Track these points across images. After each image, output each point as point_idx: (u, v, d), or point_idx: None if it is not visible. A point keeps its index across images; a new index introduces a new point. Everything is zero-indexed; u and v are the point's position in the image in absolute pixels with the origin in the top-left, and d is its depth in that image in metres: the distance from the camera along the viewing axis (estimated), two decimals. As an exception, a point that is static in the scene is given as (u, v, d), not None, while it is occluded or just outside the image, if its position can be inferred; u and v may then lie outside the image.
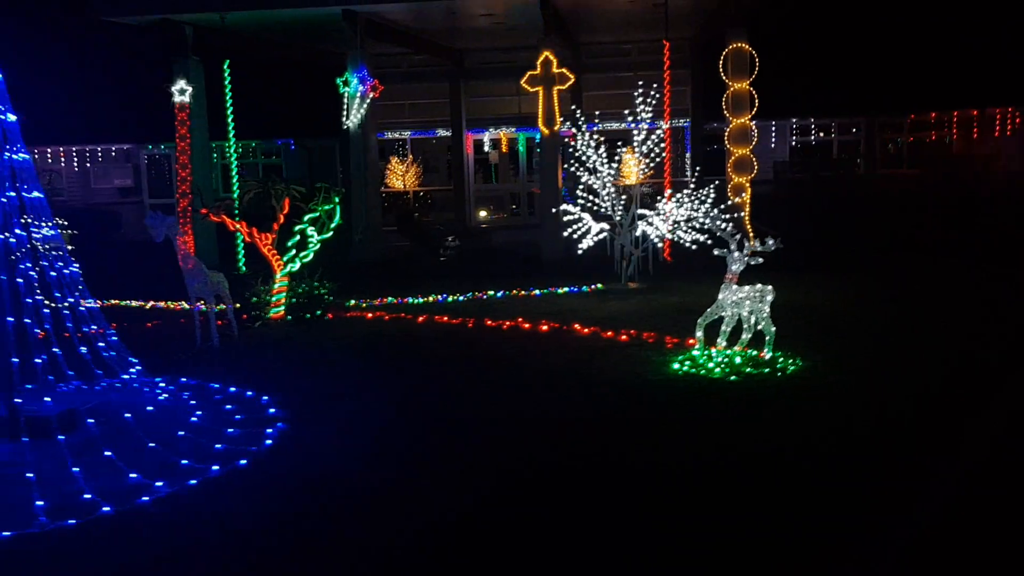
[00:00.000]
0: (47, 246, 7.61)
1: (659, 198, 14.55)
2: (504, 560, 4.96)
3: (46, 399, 7.18)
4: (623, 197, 14.05)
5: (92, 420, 6.97)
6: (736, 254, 9.04)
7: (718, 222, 9.30)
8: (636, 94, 14.07)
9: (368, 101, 18.91)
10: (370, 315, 12.81)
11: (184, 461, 6.64)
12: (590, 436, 7.11)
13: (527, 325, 11.49)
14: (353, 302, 13.53)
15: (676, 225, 13.84)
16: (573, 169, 14.22)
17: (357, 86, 18.86)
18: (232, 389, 8.74)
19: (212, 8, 18.10)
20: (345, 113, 18.83)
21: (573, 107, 15.34)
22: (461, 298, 13.79)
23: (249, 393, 8.58)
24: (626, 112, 14.42)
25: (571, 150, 14.30)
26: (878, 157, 27.05)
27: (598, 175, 13.87)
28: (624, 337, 10.59)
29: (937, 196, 22.15)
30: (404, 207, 27.21)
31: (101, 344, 7.78)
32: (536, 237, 20.01)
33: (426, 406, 8.20)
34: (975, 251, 16.28)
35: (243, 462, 6.72)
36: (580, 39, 24.90)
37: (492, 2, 19.05)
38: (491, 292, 14.02)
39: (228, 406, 8.18)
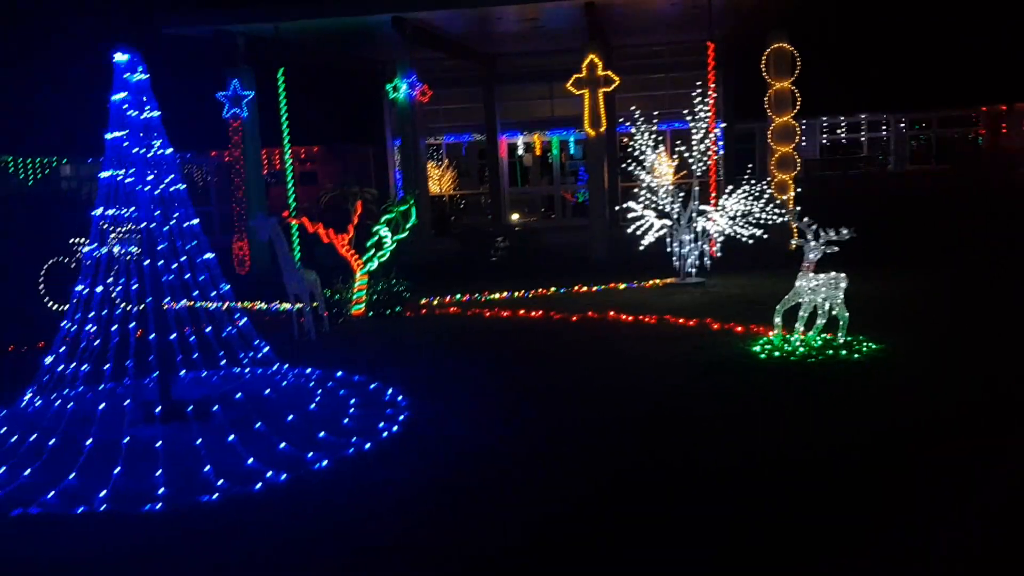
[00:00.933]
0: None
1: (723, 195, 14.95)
2: (647, 527, 5.43)
3: (194, 384, 7.75)
4: (681, 195, 14.55)
5: (240, 399, 7.57)
6: (813, 243, 9.56)
7: (794, 215, 9.78)
8: (693, 94, 14.56)
9: (417, 106, 19.46)
10: (444, 311, 13.33)
11: (330, 438, 7.19)
12: (706, 415, 7.58)
13: (602, 316, 12.03)
14: (424, 300, 14.03)
15: (733, 221, 14.32)
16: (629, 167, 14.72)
17: (406, 91, 19.41)
18: (356, 377, 9.24)
19: (267, 19, 18.70)
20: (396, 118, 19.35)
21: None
22: (526, 294, 14.30)
23: (357, 378, 9.12)
24: (655, 113, 14.92)
25: (630, 149, 14.81)
26: (907, 154, 27.51)
27: (657, 174, 14.38)
28: (697, 325, 11.11)
29: (966, 191, 22.54)
30: (440, 211, 27.72)
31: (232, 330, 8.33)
32: (575, 238, 20.58)
33: (537, 388, 8.72)
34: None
35: (384, 436, 7.27)
36: (613, 42, 25.39)
37: (536, 8, 19.50)
38: (553, 288, 14.53)
39: (347, 391, 8.70)
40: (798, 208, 9.92)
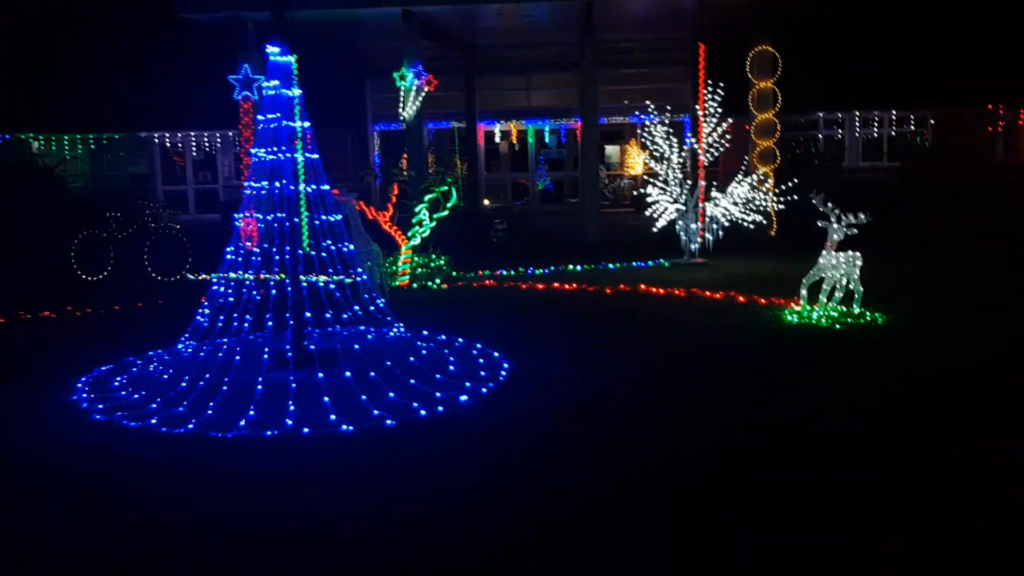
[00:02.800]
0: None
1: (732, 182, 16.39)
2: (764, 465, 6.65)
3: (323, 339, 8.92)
4: (688, 182, 16.00)
5: (362, 350, 8.73)
6: (835, 225, 11.04)
7: (818, 200, 11.23)
8: (707, 92, 16.01)
9: (423, 94, 20.56)
10: (481, 284, 14.55)
11: (448, 383, 8.37)
12: (768, 371, 8.86)
13: (633, 289, 13.41)
14: (455, 273, 15.20)
15: (739, 207, 15.81)
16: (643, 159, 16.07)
17: (413, 80, 20.50)
18: (440, 336, 10.39)
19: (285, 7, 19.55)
20: (401, 105, 20.45)
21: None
22: (546, 271, 15.60)
23: (444, 336, 10.28)
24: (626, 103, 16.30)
25: (643, 140, 16.21)
26: (859, 151, 29.46)
27: (668, 163, 15.80)
28: (724, 297, 12.56)
29: (915, 186, 24.41)
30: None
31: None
32: (557, 222, 22.16)
33: (611, 346, 10.02)
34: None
35: (491, 385, 8.45)
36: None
37: (536, 6, 20.73)
38: (571, 266, 15.85)
39: (443, 346, 9.87)
40: (822, 194, 11.27)
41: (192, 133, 30.77)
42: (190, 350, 9.19)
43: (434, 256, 14.38)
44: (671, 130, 16.03)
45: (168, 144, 31.54)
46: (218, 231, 16.88)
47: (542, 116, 29.47)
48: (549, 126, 30.22)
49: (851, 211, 11.05)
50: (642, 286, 13.58)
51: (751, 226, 15.86)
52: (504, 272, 15.55)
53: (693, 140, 16.54)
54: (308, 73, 23.03)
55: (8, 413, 7.97)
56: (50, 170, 27.42)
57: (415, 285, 14.10)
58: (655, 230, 16.40)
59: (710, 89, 16.20)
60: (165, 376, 8.71)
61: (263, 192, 8.91)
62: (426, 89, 20.74)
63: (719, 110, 16.10)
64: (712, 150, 16.19)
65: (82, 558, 5.08)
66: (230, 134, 30.84)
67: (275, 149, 8.89)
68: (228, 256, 9.20)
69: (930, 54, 26.80)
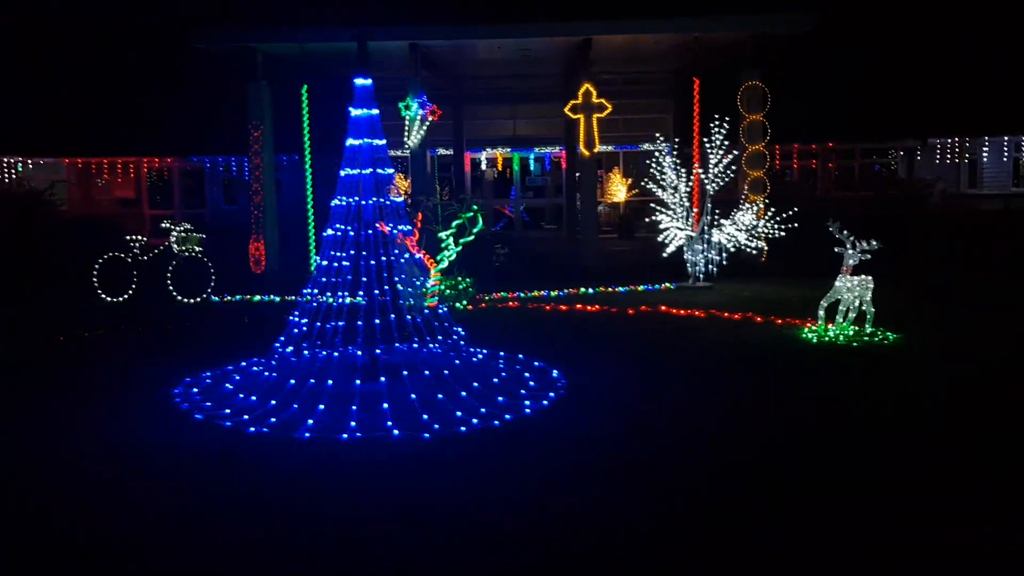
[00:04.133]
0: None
1: (734, 210, 17.35)
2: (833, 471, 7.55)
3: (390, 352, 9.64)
4: (694, 210, 16.92)
5: (426, 371, 9.43)
6: (851, 251, 11.98)
7: (835, 227, 12.17)
8: (712, 126, 16.97)
9: (428, 124, 21.33)
10: (504, 305, 15.29)
11: (500, 398, 9.02)
12: (802, 382, 9.72)
13: (654, 310, 14.26)
14: (477, 296, 15.93)
15: (746, 234, 16.76)
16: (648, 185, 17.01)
17: (417, 110, 21.27)
18: (485, 351, 11.11)
19: (291, 39, 20.37)
20: (406, 133, 21.20)
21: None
22: (560, 293, 16.39)
23: (494, 352, 11.00)
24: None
25: (651, 170, 17.13)
26: (832, 181, 30.74)
27: (676, 191, 16.73)
28: (742, 318, 13.43)
29: (887, 216, 25.66)
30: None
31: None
32: (549, 247, 23.12)
33: (654, 363, 10.75)
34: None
35: (552, 396, 9.15)
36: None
37: (536, 40, 21.63)
38: (583, 289, 16.66)
39: (498, 362, 10.58)
40: (838, 222, 12.23)
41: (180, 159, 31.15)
42: (274, 361, 9.80)
43: (459, 278, 15.10)
44: (679, 160, 16.94)
45: (155, 169, 31.85)
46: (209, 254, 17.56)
47: (527, 145, 30.39)
48: (533, 154, 31.12)
49: (863, 239, 12.00)
50: (662, 307, 14.42)
51: (754, 252, 16.80)
52: (521, 294, 16.29)
53: (700, 170, 17.45)
54: (312, 102, 23.81)
55: (118, 417, 8.54)
56: (39, 194, 27.79)
57: (443, 307, 14.75)
58: (665, 255, 17.28)
59: (716, 122, 17.14)
60: (257, 385, 9.33)
61: (351, 204, 9.59)
62: (430, 119, 21.51)
63: (726, 142, 17.05)
64: (717, 180, 17.12)
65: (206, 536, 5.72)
66: (219, 160, 31.36)
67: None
68: (315, 273, 9.79)
69: (902, 89, 28.25)
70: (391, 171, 9.99)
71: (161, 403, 9.12)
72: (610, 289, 16.80)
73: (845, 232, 12.10)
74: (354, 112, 9.80)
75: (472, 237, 15.01)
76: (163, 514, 6.09)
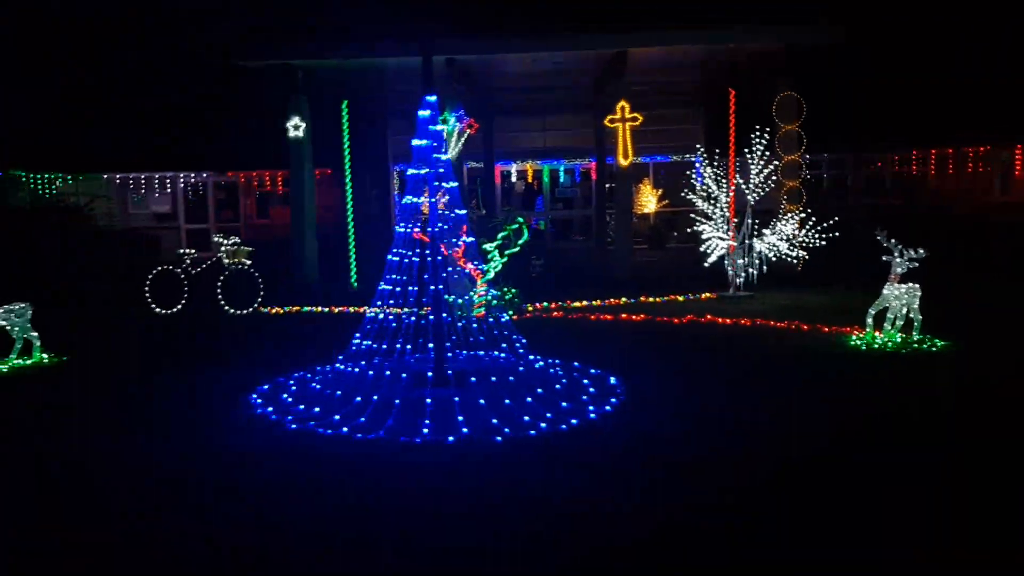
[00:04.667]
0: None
1: (773, 220, 17.57)
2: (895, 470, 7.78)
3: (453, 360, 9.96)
4: (734, 221, 17.16)
5: (494, 378, 9.72)
6: (899, 259, 12.18)
7: (882, 236, 12.37)
8: (753, 136, 17.22)
9: (465, 137, 21.65)
10: (548, 315, 15.56)
11: (564, 404, 9.29)
12: (858, 389, 9.94)
13: (700, 319, 14.50)
14: (523, 306, 16.21)
15: (787, 242, 16.97)
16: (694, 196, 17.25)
17: (455, 124, 21.59)
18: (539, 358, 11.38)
19: (329, 56, 20.83)
20: (445, 148, 21.48)
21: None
22: (602, 303, 16.64)
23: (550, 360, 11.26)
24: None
25: (692, 181, 17.39)
26: (862, 188, 30.90)
27: (716, 202, 16.98)
28: (788, 326, 13.65)
29: (918, 221, 25.80)
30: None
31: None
32: (578, 258, 23.40)
33: (709, 371, 10.97)
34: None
35: (614, 400, 9.42)
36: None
37: (573, 53, 21.96)
38: (624, 299, 16.92)
39: (557, 370, 10.85)
40: (886, 231, 12.44)
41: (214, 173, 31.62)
42: (347, 370, 10.13)
43: (505, 289, 15.37)
44: (720, 172, 17.19)
45: (190, 184, 32.32)
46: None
47: (556, 156, 30.67)
48: (563, 166, 31.39)
49: (911, 247, 12.21)
50: (708, 316, 14.66)
51: (794, 261, 17.01)
52: (563, 304, 16.56)
53: (740, 180, 17.69)
54: (333, 115, 24.22)
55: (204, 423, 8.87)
56: (80, 209, 28.32)
57: (491, 317, 15.04)
58: (706, 264, 17.53)
59: (756, 133, 17.39)
60: (337, 392, 9.66)
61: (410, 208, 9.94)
62: (468, 132, 21.84)
63: (766, 153, 17.28)
64: (758, 190, 17.35)
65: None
66: (253, 174, 31.82)
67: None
68: (383, 286, 10.11)
69: (932, 97, 28.42)
70: (455, 184, 10.29)
71: (244, 408, 9.50)
72: (650, 299, 17.05)
73: (893, 241, 12.30)
74: (415, 142, 10.13)
75: (517, 249, 15.32)
76: (286, 519, 6.37)
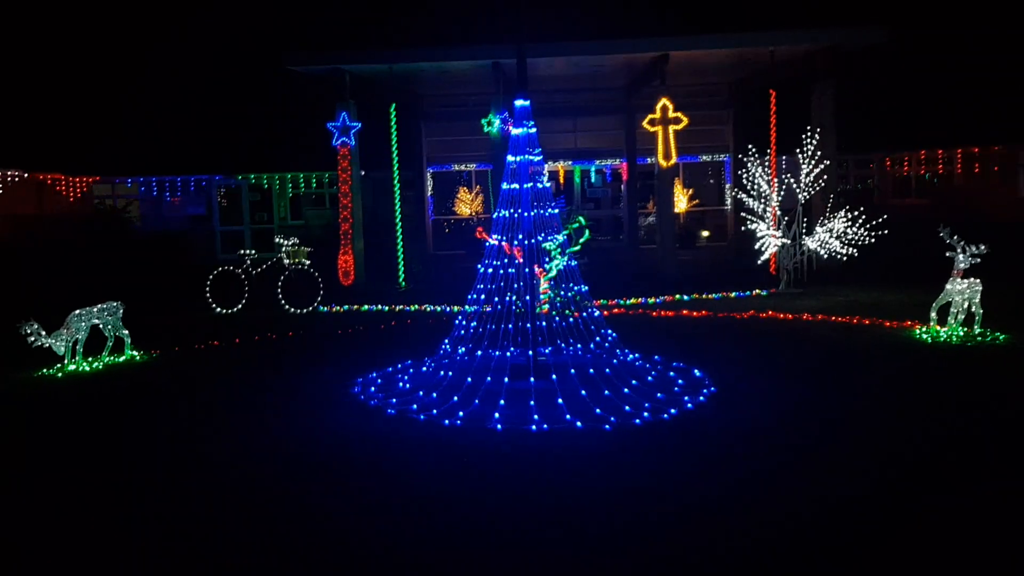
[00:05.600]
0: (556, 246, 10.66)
1: (821, 217, 17.97)
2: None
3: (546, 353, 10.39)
4: (785, 218, 17.59)
5: (593, 370, 10.13)
6: (961, 255, 12.60)
7: (945, 233, 12.78)
8: (804, 137, 17.64)
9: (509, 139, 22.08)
10: (609, 312, 15.96)
11: (659, 395, 9.72)
12: (940, 382, 10.24)
13: (760, 315, 14.91)
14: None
15: (838, 239, 17.39)
16: (738, 194, 17.66)
17: (499, 126, 22.00)
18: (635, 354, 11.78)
19: (381, 61, 21.30)
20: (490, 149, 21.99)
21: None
22: (658, 300, 17.06)
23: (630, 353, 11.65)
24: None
25: (744, 180, 17.83)
26: (889, 188, 31.33)
27: (766, 199, 17.41)
28: (850, 321, 14.05)
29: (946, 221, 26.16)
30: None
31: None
32: (617, 257, 23.85)
33: (784, 364, 11.34)
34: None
35: (705, 391, 9.82)
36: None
37: (614, 58, 22.41)
38: (679, 296, 17.34)
39: (642, 363, 11.26)
40: (948, 228, 12.85)
41: (251, 176, 32.06)
42: (444, 362, 10.58)
43: (569, 285, 15.79)
44: (770, 170, 17.63)
45: (224, 186, 32.75)
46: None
47: (588, 157, 31.12)
48: (595, 166, 31.84)
49: (972, 243, 12.62)
50: (770, 312, 15.08)
51: (844, 258, 17.41)
52: (620, 301, 16.98)
53: (791, 179, 18.10)
54: (373, 117, 24.59)
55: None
56: (118, 212, 28.78)
57: (554, 312, 15.47)
58: (759, 262, 17.96)
59: (808, 133, 17.82)
60: (434, 382, 10.11)
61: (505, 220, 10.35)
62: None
63: (815, 152, 17.70)
64: (808, 189, 17.77)
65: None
66: (288, 176, 32.26)
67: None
68: (479, 285, 10.54)
69: (962, 97, 28.85)
70: (549, 184, 10.70)
71: (346, 398, 9.97)
72: (703, 296, 17.45)
73: (956, 237, 12.71)
74: (514, 131, 10.53)
75: (579, 247, 15.72)
76: (407, 499, 6.80)
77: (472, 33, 22.82)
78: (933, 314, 12.83)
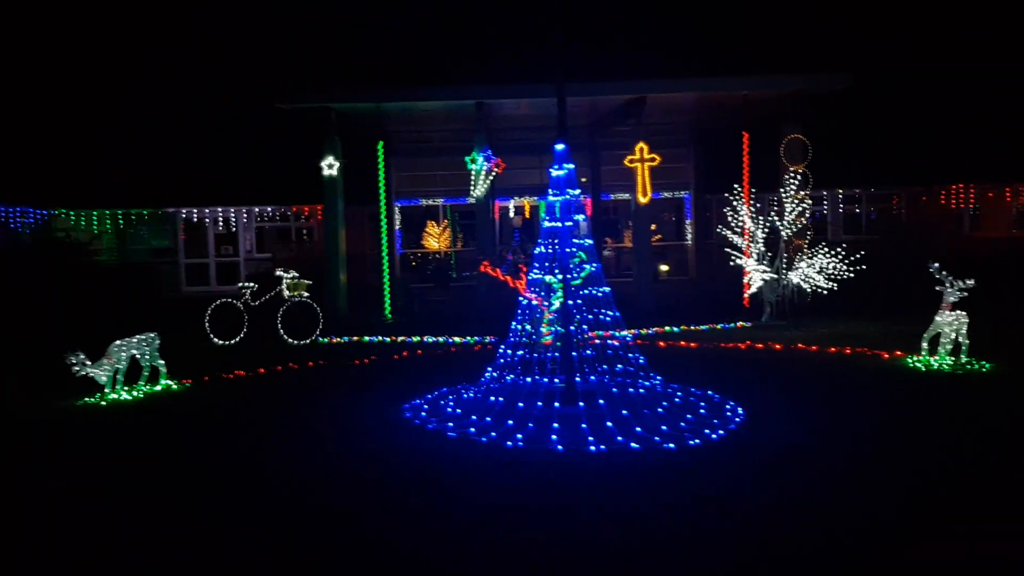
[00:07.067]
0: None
1: (798, 255, 18.93)
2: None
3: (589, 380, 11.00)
4: (769, 253, 18.51)
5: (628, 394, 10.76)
6: (950, 289, 13.55)
7: (934, 268, 13.73)
8: (787, 176, 18.62)
9: (492, 176, 22.77)
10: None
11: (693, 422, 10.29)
12: (943, 405, 11.02)
13: (756, 345, 15.71)
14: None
15: (819, 274, 18.33)
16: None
17: (483, 164, 22.71)
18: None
19: (369, 100, 21.88)
20: (472, 186, 22.61)
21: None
22: (650, 331, 17.79)
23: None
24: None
25: (729, 217, 18.73)
26: (841, 224, 32.67)
27: (752, 236, 18.32)
28: (848, 352, 14.89)
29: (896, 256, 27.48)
30: (438, 265, 30.76)
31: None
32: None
33: (800, 392, 11.97)
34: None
35: (734, 416, 10.48)
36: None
37: (597, 97, 23.28)
38: (668, 328, 18.09)
39: (671, 392, 11.89)
40: (937, 263, 13.79)
41: (219, 209, 32.17)
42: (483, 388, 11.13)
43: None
44: (758, 206, 18.56)
45: (194, 219, 32.77)
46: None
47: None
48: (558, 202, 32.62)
49: (960, 278, 13.58)
50: (769, 343, 15.89)
51: (825, 292, 18.37)
52: (614, 332, 17.59)
53: (776, 217, 19.06)
54: (350, 152, 24.95)
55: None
56: (83, 245, 28.67)
57: (559, 343, 16.07)
58: (747, 294, 18.83)
59: (791, 172, 18.81)
60: (484, 408, 10.65)
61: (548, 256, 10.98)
62: (495, 171, 22.96)
63: (801, 192, 18.68)
64: (791, 226, 18.73)
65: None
66: (255, 210, 32.42)
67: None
68: (519, 315, 11.13)
69: (911, 140, 30.40)
70: (582, 217, 11.36)
71: (402, 423, 10.50)
72: (692, 328, 18.23)
73: (944, 272, 13.67)
74: (554, 172, 11.20)
75: (580, 280, 16.38)
76: (463, 521, 7.26)
77: (454, 75, 23.54)
78: (924, 344, 13.74)
